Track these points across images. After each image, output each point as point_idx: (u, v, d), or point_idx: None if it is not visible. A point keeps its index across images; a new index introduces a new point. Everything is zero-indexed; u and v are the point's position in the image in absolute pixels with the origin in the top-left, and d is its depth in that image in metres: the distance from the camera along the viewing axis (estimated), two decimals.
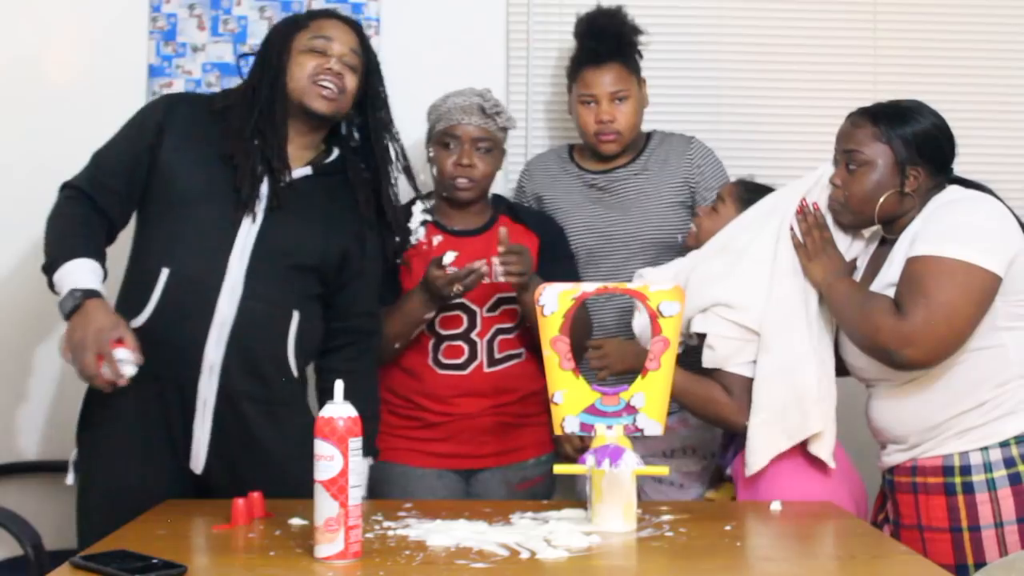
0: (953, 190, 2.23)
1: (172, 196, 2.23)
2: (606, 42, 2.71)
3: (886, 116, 2.25)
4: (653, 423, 2.03)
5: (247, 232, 2.23)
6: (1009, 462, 2.11)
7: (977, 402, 2.14)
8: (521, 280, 2.44)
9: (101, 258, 2.17)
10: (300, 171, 2.33)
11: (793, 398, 2.23)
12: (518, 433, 2.60)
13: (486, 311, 2.58)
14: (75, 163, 2.30)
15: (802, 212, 2.30)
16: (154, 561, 1.66)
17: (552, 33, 3.09)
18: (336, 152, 2.42)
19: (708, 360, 2.30)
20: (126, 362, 2.03)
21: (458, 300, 2.52)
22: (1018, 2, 3.15)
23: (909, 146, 2.21)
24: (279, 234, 2.26)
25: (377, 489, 2.54)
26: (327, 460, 1.69)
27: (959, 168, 2.30)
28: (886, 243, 2.31)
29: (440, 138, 2.61)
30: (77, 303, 2.06)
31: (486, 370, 2.58)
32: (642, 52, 2.79)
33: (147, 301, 2.19)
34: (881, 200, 2.22)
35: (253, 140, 2.28)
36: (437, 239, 2.63)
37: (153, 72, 3.04)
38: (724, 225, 2.42)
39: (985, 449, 2.12)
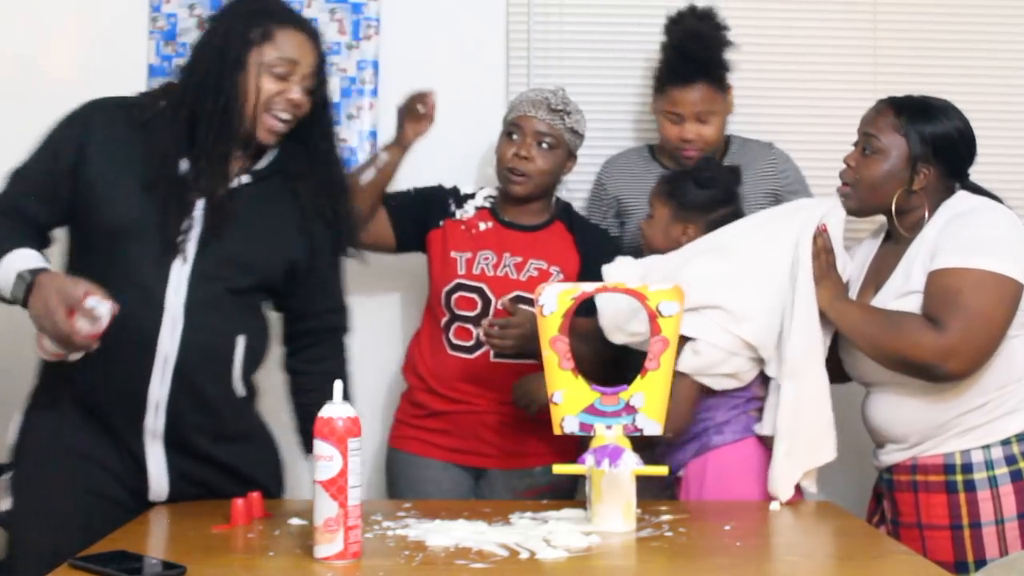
0: (964, 197, 2.24)
1: (100, 228, 2.04)
2: (693, 64, 2.71)
3: (910, 109, 2.26)
4: (652, 423, 2.03)
5: (181, 263, 2.05)
6: (1010, 459, 2.13)
7: (980, 402, 2.15)
8: (504, 349, 2.45)
9: (41, 250, 2.02)
10: (237, 181, 2.12)
11: (820, 425, 2.23)
12: (524, 437, 2.57)
13: (500, 304, 2.56)
14: None
15: (815, 234, 2.27)
16: (153, 561, 1.66)
17: (552, 33, 3.09)
18: (274, 153, 2.19)
19: (687, 365, 2.25)
20: (101, 308, 1.87)
21: (478, 285, 2.57)
22: (1018, 2, 3.15)
23: (925, 144, 2.22)
24: (217, 259, 2.07)
25: (390, 478, 2.62)
26: (326, 460, 1.69)
27: None
28: (890, 240, 2.31)
29: (507, 128, 2.64)
30: (29, 282, 1.90)
31: (492, 359, 2.56)
32: (731, 64, 2.77)
33: None
34: (894, 200, 2.24)
35: (180, 164, 2.05)
36: (486, 225, 2.65)
37: (153, 72, 3.04)
38: (661, 225, 2.43)
39: (987, 447, 2.13)
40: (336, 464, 1.68)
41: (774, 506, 2.13)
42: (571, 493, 2.47)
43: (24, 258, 1.95)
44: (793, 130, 3.05)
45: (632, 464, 1.94)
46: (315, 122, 2.17)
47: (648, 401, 2.02)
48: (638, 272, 2.33)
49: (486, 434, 2.58)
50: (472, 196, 2.69)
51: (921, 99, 2.30)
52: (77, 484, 2.04)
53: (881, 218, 2.37)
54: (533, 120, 2.60)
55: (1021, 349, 2.17)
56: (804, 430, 2.21)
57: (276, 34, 2.07)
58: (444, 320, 2.59)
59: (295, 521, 1.95)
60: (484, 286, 2.57)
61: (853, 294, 2.32)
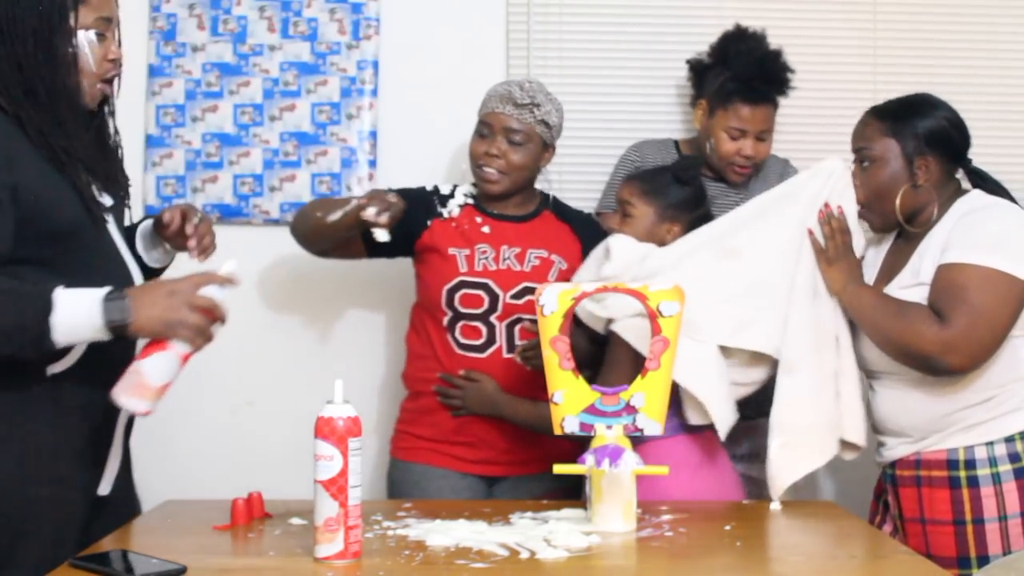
0: (977, 195, 2.25)
1: (49, 232, 1.86)
2: (770, 84, 2.75)
3: (891, 111, 2.28)
4: (653, 423, 2.03)
5: (123, 244, 2.01)
6: (1014, 457, 2.13)
7: (984, 398, 2.16)
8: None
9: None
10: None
11: (822, 420, 2.23)
12: (541, 441, 2.51)
13: (510, 297, 2.54)
14: None
15: (825, 216, 2.28)
16: (154, 561, 1.66)
17: (552, 33, 3.10)
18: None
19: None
20: (225, 287, 1.83)
21: (482, 280, 2.53)
22: (1018, 2, 3.15)
23: (916, 138, 2.24)
24: (127, 231, 2.07)
25: (396, 491, 2.55)
26: (327, 460, 1.69)
27: None
28: (902, 237, 2.32)
29: (478, 125, 2.61)
30: (123, 297, 1.77)
31: (505, 355, 2.54)
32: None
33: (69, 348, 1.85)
34: (899, 197, 2.24)
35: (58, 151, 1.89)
36: (476, 219, 2.61)
37: (153, 72, 3.04)
38: (646, 225, 2.39)
39: (990, 444, 2.14)
40: (336, 464, 1.68)
41: (774, 506, 2.13)
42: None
43: (81, 292, 1.79)
44: (793, 130, 3.05)
45: (632, 464, 1.94)
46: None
47: (648, 401, 2.02)
48: (640, 252, 2.33)
49: (502, 442, 2.53)
50: (452, 195, 2.65)
51: (900, 99, 2.32)
52: (43, 484, 1.87)
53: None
54: (502, 116, 2.56)
55: None
56: (805, 422, 2.21)
57: None
58: (447, 319, 2.55)
59: (295, 521, 1.95)
60: (490, 281, 2.53)
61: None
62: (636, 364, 2.14)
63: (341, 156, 3.02)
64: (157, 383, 1.79)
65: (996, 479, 2.12)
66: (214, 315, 1.80)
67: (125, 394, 1.79)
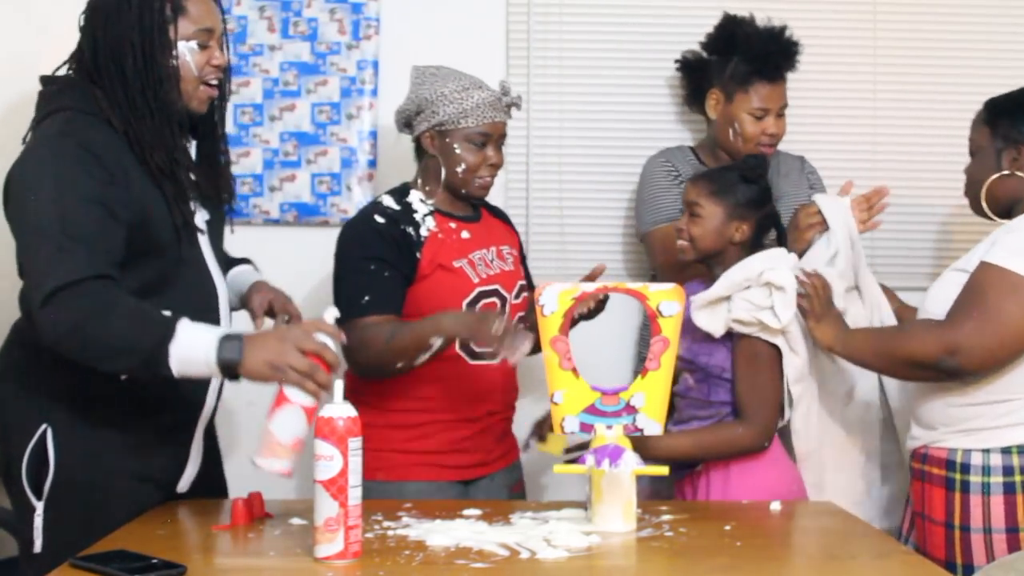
0: None
1: (150, 245, 1.97)
2: (780, 61, 2.78)
3: (994, 102, 2.29)
4: (653, 423, 2.03)
5: (213, 261, 2.10)
6: (1008, 470, 2.11)
7: (992, 399, 2.13)
8: None
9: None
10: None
11: (836, 438, 2.36)
12: (504, 433, 2.54)
13: (513, 298, 2.51)
14: None
15: (805, 277, 2.31)
16: (154, 561, 1.66)
17: (552, 33, 3.09)
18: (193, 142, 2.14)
19: None
20: (327, 320, 1.86)
21: (493, 287, 2.47)
22: (1018, 2, 3.15)
23: (1010, 127, 2.22)
24: (219, 246, 2.17)
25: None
26: (327, 460, 1.69)
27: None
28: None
29: (470, 137, 2.44)
30: (239, 338, 1.83)
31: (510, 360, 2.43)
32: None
33: None
34: (985, 185, 2.23)
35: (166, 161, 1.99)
36: (452, 226, 2.49)
37: None
38: (715, 224, 2.39)
39: (987, 451, 2.12)
40: (336, 464, 1.69)
41: (774, 506, 2.13)
42: None
43: (200, 327, 1.85)
44: (793, 130, 3.04)
45: (632, 464, 1.94)
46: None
47: (648, 401, 2.02)
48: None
49: (493, 440, 2.50)
50: (414, 209, 2.48)
51: (1011, 92, 2.31)
52: (122, 482, 1.99)
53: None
54: (501, 125, 2.48)
55: None
56: (816, 438, 2.27)
57: (186, 5, 2.01)
58: None
59: (295, 521, 1.95)
60: (498, 286, 2.48)
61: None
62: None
63: (341, 156, 3.02)
64: (287, 440, 1.81)
65: (986, 489, 2.11)
66: (323, 361, 1.80)
67: (260, 456, 1.82)
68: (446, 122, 2.43)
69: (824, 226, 2.46)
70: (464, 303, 2.41)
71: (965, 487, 2.12)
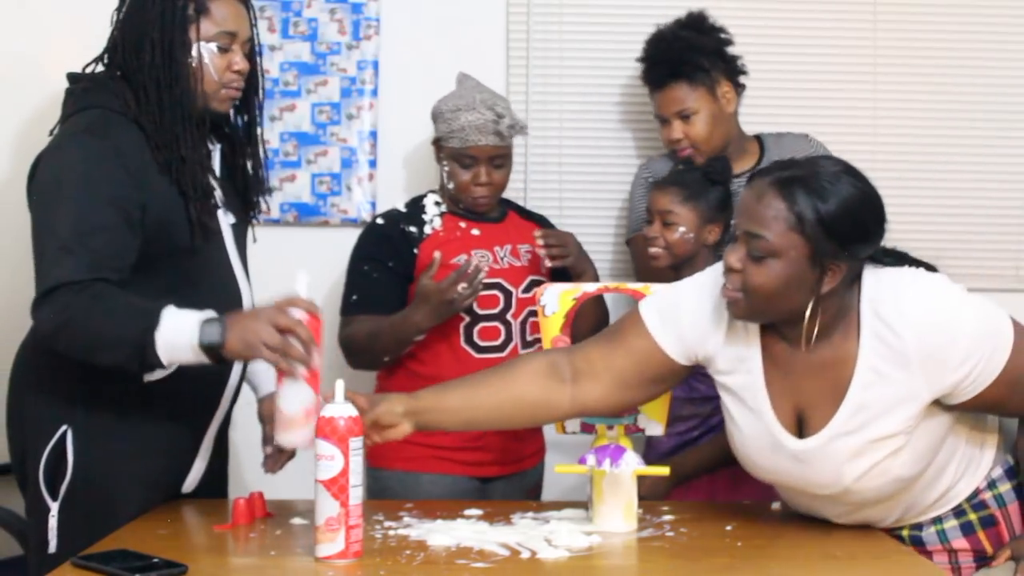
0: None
1: (170, 246, 1.98)
2: (661, 67, 2.74)
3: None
4: (654, 423, 2.03)
5: (238, 263, 2.13)
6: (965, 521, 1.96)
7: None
8: (564, 255, 2.51)
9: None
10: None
11: None
12: (526, 435, 2.55)
13: (521, 292, 2.54)
14: None
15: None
16: (154, 561, 1.66)
17: (552, 33, 3.09)
18: (218, 146, 2.16)
19: None
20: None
21: (494, 280, 2.50)
22: (1018, 2, 3.15)
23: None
24: (243, 249, 2.17)
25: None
26: (327, 460, 1.69)
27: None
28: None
29: (456, 156, 2.55)
30: (219, 320, 1.83)
31: (521, 351, 2.51)
32: (729, 56, 2.76)
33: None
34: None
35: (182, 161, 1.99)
36: (463, 225, 2.59)
37: None
38: (695, 232, 2.41)
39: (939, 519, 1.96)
40: (337, 463, 1.69)
41: (775, 506, 2.13)
42: None
43: (183, 313, 1.84)
44: (792, 130, 3.04)
45: (633, 464, 1.94)
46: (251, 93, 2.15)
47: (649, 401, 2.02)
48: None
49: (502, 441, 2.51)
50: (423, 209, 2.60)
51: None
52: (132, 483, 1.99)
53: None
54: (487, 148, 2.52)
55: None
56: None
57: (210, 4, 2.00)
58: (464, 324, 2.50)
59: (296, 520, 1.95)
60: (501, 280, 2.52)
61: None
62: None
63: (341, 156, 3.02)
64: (296, 412, 1.81)
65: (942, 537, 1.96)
66: (294, 333, 1.80)
67: (278, 435, 1.85)
68: (441, 138, 2.58)
69: None
70: (418, 336, 2.47)
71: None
